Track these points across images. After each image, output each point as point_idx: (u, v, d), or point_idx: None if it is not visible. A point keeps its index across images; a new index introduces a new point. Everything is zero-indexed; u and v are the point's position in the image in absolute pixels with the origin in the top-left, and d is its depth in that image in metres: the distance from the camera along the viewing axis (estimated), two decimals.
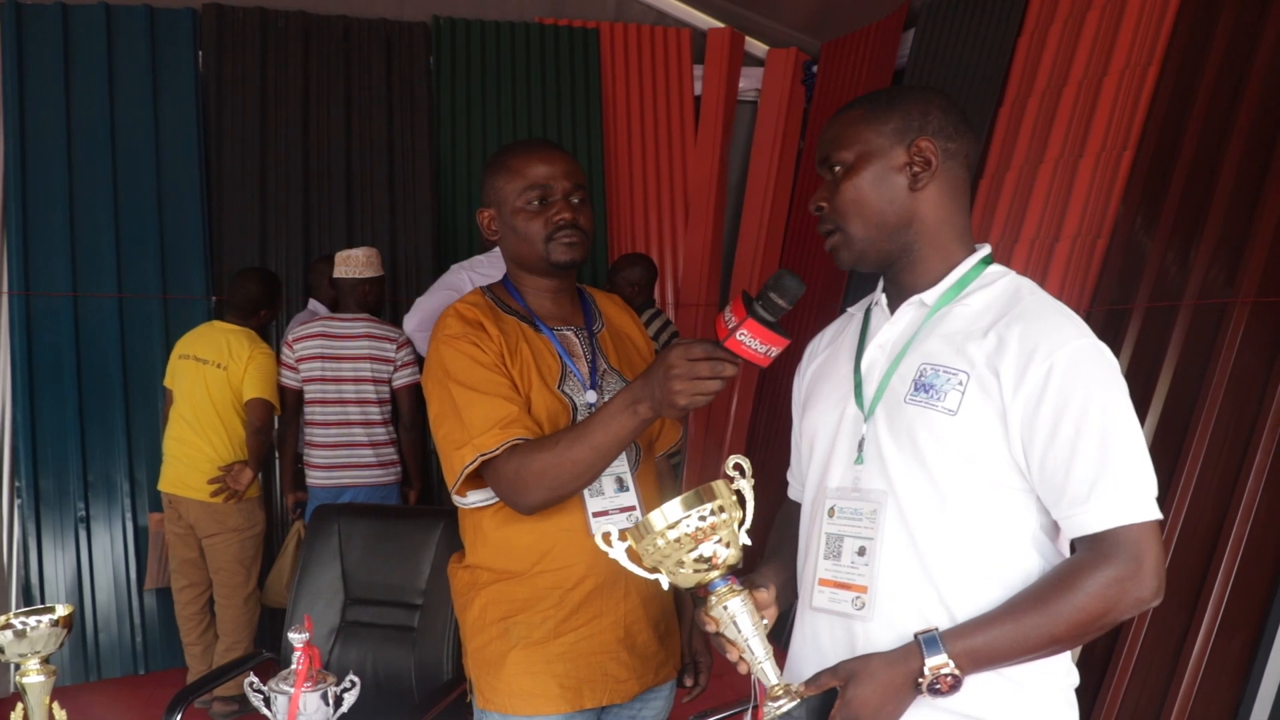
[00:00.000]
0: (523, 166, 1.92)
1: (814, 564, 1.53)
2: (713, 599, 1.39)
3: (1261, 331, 2.93)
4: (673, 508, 1.36)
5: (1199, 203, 3.25)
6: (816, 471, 1.58)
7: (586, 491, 1.88)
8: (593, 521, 1.88)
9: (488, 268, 3.88)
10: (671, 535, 1.36)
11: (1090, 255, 3.63)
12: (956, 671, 1.33)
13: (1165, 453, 3.10)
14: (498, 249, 3.57)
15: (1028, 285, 1.49)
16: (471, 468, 1.80)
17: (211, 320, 4.34)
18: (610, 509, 1.91)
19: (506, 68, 5.63)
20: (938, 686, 1.34)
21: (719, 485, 1.39)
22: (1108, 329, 3.42)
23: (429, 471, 4.72)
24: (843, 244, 1.53)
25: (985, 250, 1.55)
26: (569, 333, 1.98)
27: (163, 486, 4.20)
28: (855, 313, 1.69)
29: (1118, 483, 1.33)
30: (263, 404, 4.08)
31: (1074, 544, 1.40)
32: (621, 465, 1.93)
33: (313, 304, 4.76)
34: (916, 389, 1.44)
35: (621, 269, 4.77)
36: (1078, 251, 3.68)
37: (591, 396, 1.91)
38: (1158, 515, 1.35)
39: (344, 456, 4.11)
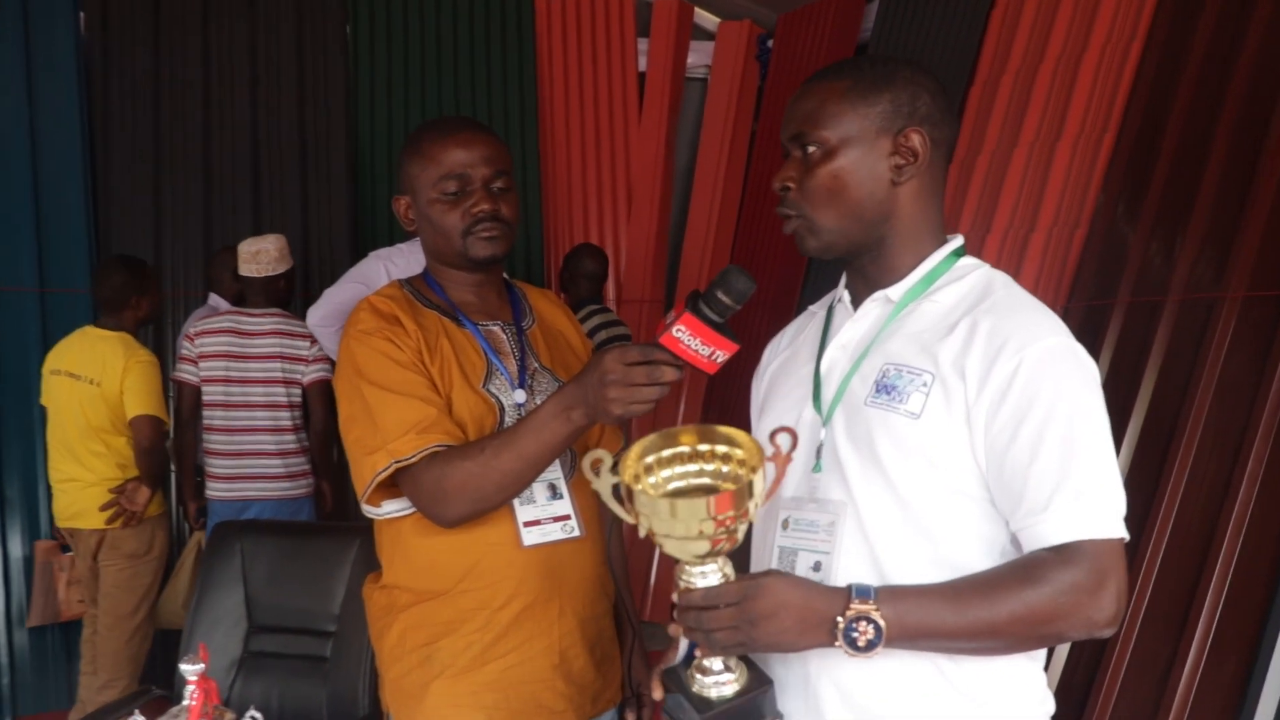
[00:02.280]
0: (437, 151, 1.90)
1: None
2: (691, 569, 1.35)
3: (1252, 329, 2.96)
4: (723, 500, 1.27)
5: (1185, 190, 3.28)
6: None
7: (516, 499, 1.86)
8: (524, 532, 1.87)
9: (407, 258, 3.83)
10: (704, 520, 1.27)
11: (1068, 247, 3.65)
12: (880, 622, 1.31)
13: (1150, 460, 3.12)
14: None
15: (1001, 279, 1.49)
16: (384, 475, 1.78)
17: (85, 326, 4.17)
18: (543, 518, 1.89)
19: (432, 39, 5.58)
20: (855, 634, 1.31)
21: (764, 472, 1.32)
22: (1087, 326, 3.44)
23: (343, 482, 4.65)
24: (808, 231, 1.50)
25: (957, 241, 1.54)
26: (495, 328, 1.98)
27: (58, 522, 4.11)
28: (817, 310, 1.69)
29: (1079, 492, 1.32)
30: (149, 421, 3.96)
31: None
32: (555, 471, 1.92)
33: (214, 299, 4.67)
34: (878, 390, 1.44)
35: (579, 258, 4.78)
36: (1054, 243, 3.71)
37: (520, 396, 1.91)
38: (1123, 534, 1.33)
39: (248, 467, 4.04)
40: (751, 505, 1.29)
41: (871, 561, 1.41)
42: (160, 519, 4.12)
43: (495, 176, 1.91)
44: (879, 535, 1.41)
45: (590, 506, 1.99)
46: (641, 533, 1.34)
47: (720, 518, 1.27)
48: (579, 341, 2.16)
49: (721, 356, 1.51)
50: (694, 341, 1.50)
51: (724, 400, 5.68)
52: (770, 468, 1.35)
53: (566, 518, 1.91)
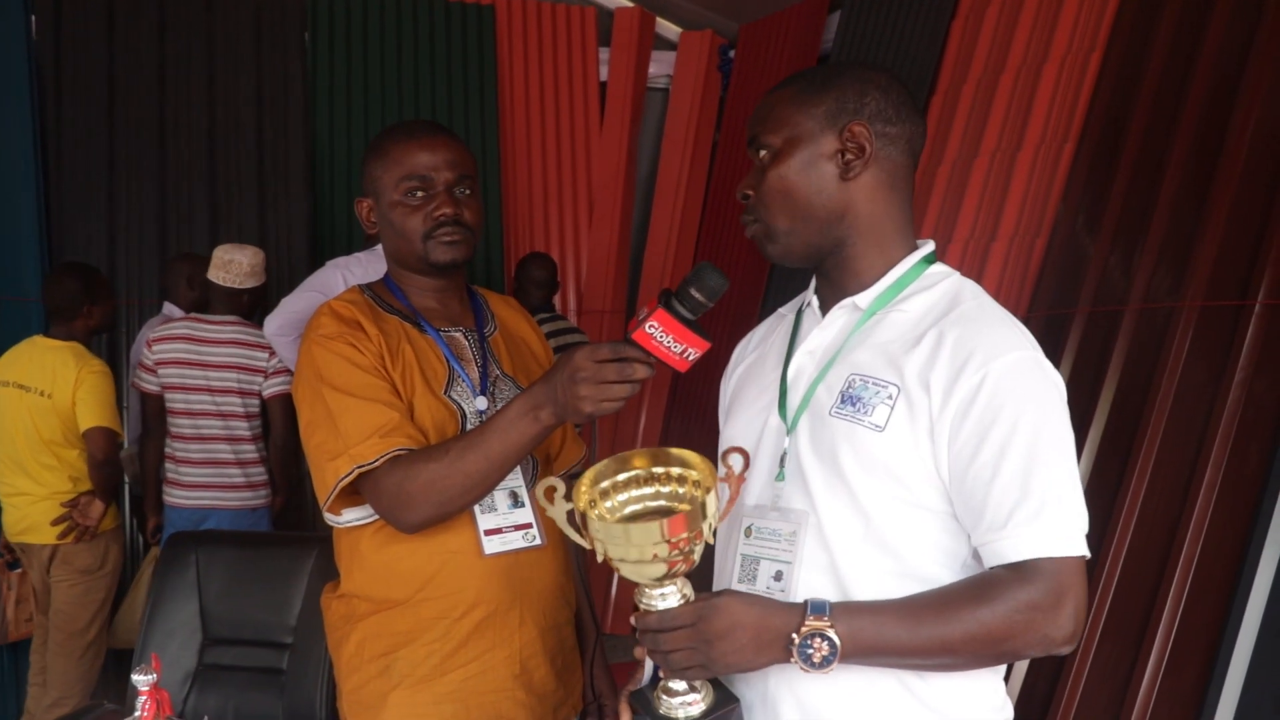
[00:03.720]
0: (401, 153, 1.90)
1: (727, 585, 1.51)
2: (651, 592, 1.36)
3: (1211, 338, 2.99)
4: (676, 523, 1.28)
5: (1144, 199, 3.31)
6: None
7: (477, 508, 1.86)
8: (485, 540, 1.86)
9: (365, 267, 3.80)
10: (657, 545, 1.29)
11: (1029, 256, 3.68)
12: (835, 638, 1.31)
13: (1110, 468, 3.14)
14: (379, 247, 3.52)
15: (970, 289, 1.49)
16: (347, 481, 1.77)
17: (34, 335, 4.08)
18: (504, 526, 1.89)
19: (392, 46, 5.56)
20: (810, 650, 1.32)
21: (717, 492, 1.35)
22: (1048, 335, 3.47)
23: (302, 494, 4.61)
24: (765, 236, 1.51)
25: (927, 248, 1.54)
26: (457, 334, 1.98)
27: (8, 536, 4.04)
28: (786, 313, 1.68)
29: (1039, 510, 1.32)
30: (102, 433, 3.89)
31: None
32: (516, 479, 1.92)
33: (168, 307, 4.62)
34: (843, 401, 1.43)
35: (529, 266, 4.83)
36: (1015, 252, 3.74)
37: (482, 403, 1.91)
38: (1084, 551, 1.34)
39: (210, 475, 4.00)
40: (706, 526, 1.31)
41: (832, 572, 1.41)
42: (114, 533, 4.06)
43: (459, 181, 1.91)
44: (840, 547, 1.41)
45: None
46: (599, 558, 1.35)
47: (674, 540, 1.28)
48: (541, 349, 2.16)
49: (693, 354, 1.51)
50: (666, 338, 1.49)
51: (689, 401, 5.68)
52: (724, 488, 1.37)
53: (528, 526, 1.90)
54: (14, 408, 3.89)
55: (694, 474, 1.36)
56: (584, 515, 1.34)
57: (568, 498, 1.37)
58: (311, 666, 2.61)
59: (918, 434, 1.38)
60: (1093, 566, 3.08)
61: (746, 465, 1.38)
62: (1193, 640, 2.86)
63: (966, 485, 1.36)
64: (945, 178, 4.13)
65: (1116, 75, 3.57)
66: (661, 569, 1.31)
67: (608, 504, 1.38)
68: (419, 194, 1.89)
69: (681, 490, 1.37)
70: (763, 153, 1.50)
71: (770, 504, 1.49)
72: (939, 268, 1.52)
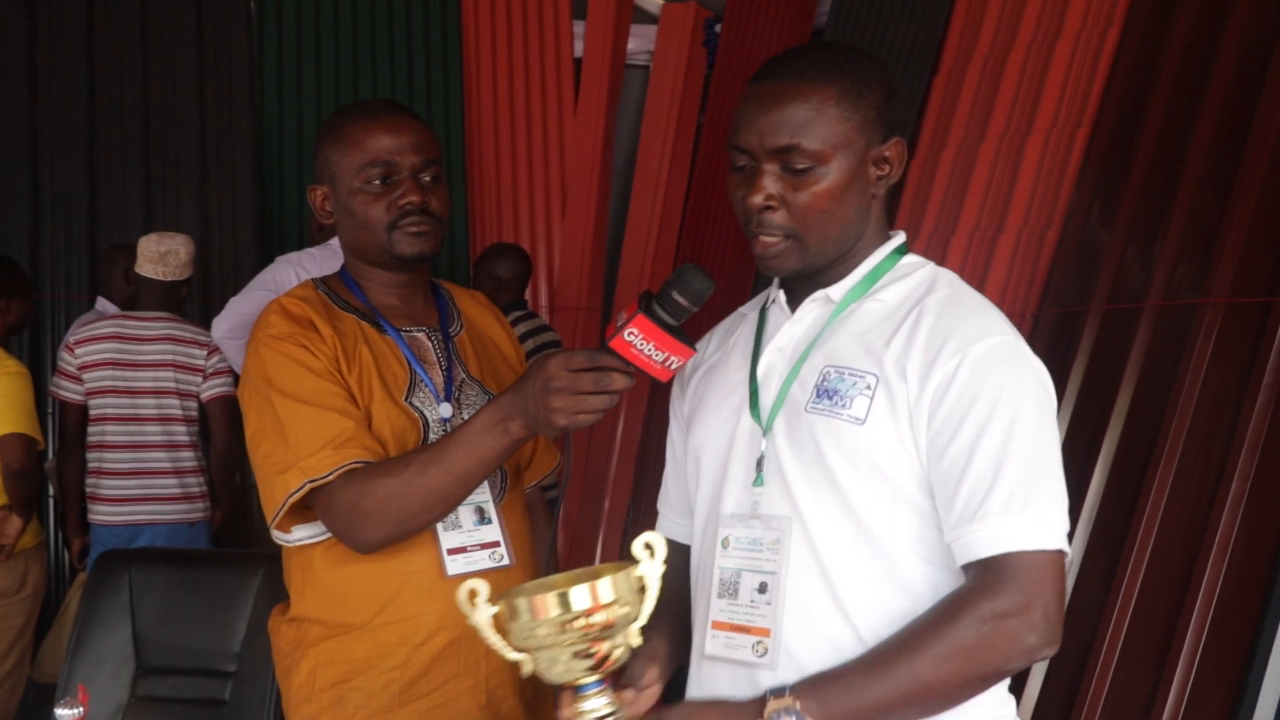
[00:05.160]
0: (361, 136, 1.88)
1: (705, 604, 1.52)
2: (582, 704, 1.39)
3: (1236, 337, 3.01)
4: (580, 594, 1.34)
5: (1164, 189, 3.32)
6: (707, 496, 1.57)
7: (440, 525, 1.85)
8: (448, 560, 1.85)
9: (319, 264, 3.79)
10: (558, 620, 1.34)
11: (1039, 250, 3.69)
12: (797, 707, 1.33)
13: (1128, 478, 3.15)
14: (335, 241, 3.50)
15: (946, 277, 1.52)
16: (297, 496, 1.76)
17: None
18: (469, 544, 1.88)
19: (347, 17, 5.56)
20: None
21: (629, 574, 1.39)
22: (1059, 335, 3.48)
23: (246, 507, 4.59)
24: (798, 252, 1.49)
25: (899, 239, 1.57)
26: (420, 335, 1.97)
27: None
28: (748, 312, 1.69)
29: (1010, 501, 1.34)
30: (19, 440, 3.82)
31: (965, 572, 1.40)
32: (482, 493, 1.91)
33: (101, 303, 4.60)
34: (819, 395, 1.45)
35: (486, 261, 4.78)
36: (1024, 245, 3.75)
37: (446, 410, 1.90)
38: (1060, 546, 1.35)
39: (140, 488, 3.97)
40: (632, 631, 1.40)
41: (822, 578, 1.43)
42: (35, 551, 4.00)
43: (424, 166, 1.90)
44: (829, 550, 1.43)
45: (521, 533, 1.98)
46: (525, 670, 1.41)
47: (592, 613, 1.33)
48: (512, 350, 2.15)
49: (676, 363, 1.50)
50: (646, 346, 1.48)
51: (665, 417, 5.67)
52: (653, 571, 1.40)
53: (495, 545, 1.90)
54: None
55: (626, 589, 1.38)
56: (504, 615, 1.38)
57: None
58: (257, 697, 2.59)
59: (899, 425, 1.40)
60: (1110, 581, 3.09)
61: (661, 552, 1.41)
62: (1219, 663, 2.87)
63: (940, 475, 1.39)
64: (949, 165, 4.14)
65: (1135, 53, 3.58)
66: (588, 661, 1.35)
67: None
68: (382, 181, 1.87)
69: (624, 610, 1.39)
70: (801, 165, 1.45)
71: (749, 511, 1.49)
72: (912, 258, 1.56)
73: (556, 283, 5.89)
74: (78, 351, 3.98)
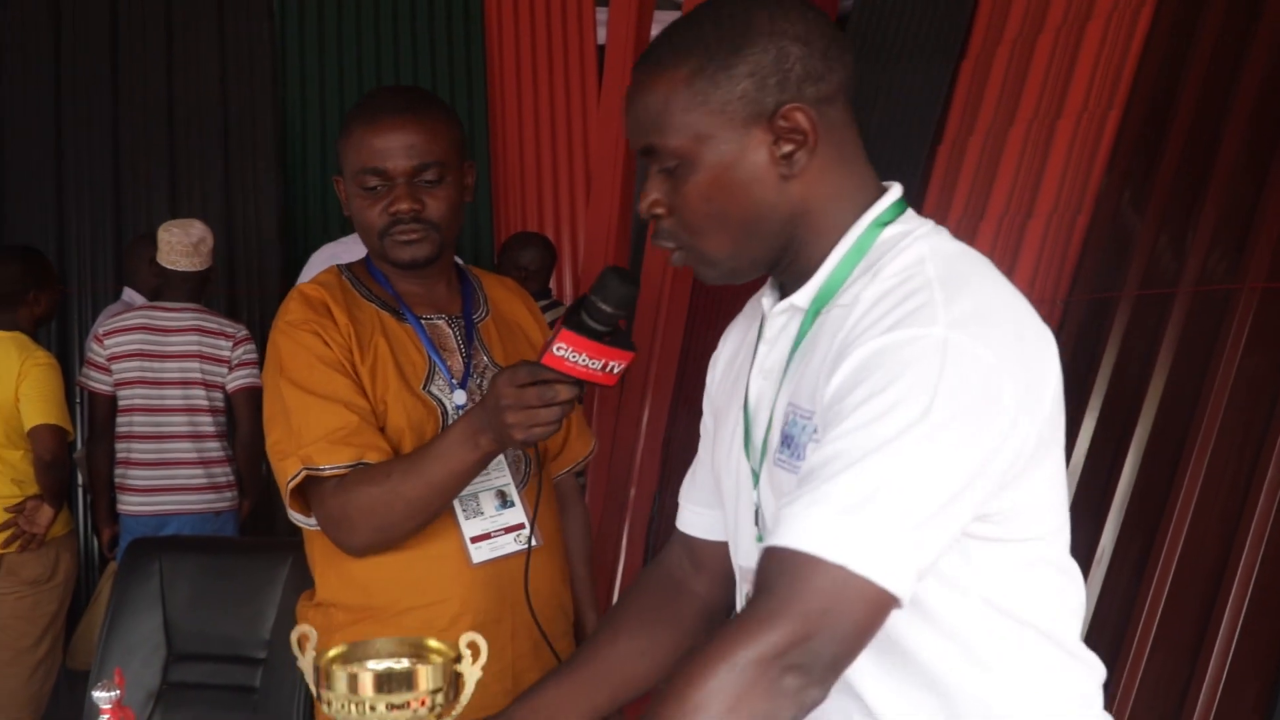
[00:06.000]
0: (359, 138, 1.87)
1: None
2: None
3: (1272, 323, 2.98)
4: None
5: (1198, 172, 3.30)
6: (730, 531, 1.41)
7: (460, 512, 1.86)
8: (471, 549, 1.86)
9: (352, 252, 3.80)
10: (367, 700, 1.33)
11: (1069, 235, 3.68)
12: None
13: (1159, 469, 3.13)
14: None
15: (934, 256, 1.21)
16: (295, 482, 1.78)
17: None
18: (493, 530, 1.88)
19: (369, 8, 5.58)
20: None
21: (434, 668, 1.36)
22: (1090, 321, 3.46)
23: (275, 494, 4.62)
24: (700, 262, 1.30)
25: (885, 201, 1.28)
26: (440, 322, 1.97)
27: None
28: (763, 303, 1.44)
29: (819, 497, 1.07)
30: (50, 431, 3.86)
31: None
32: (504, 477, 1.91)
33: (128, 294, 4.63)
34: (783, 443, 1.25)
35: (510, 250, 4.79)
36: (1054, 230, 3.73)
37: (461, 397, 1.90)
38: (852, 565, 1.04)
39: (167, 478, 4.00)
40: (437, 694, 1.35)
41: None
42: (66, 540, 4.04)
43: (421, 170, 1.86)
44: None
45: (548, 515, 1.98)
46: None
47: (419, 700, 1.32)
48: (540, 337, 2.13)
49: (617, 367, 1.50)
50: (579, 357, 1.48)
51: (697, 391, 5.66)
52: (472, 672, 1.40)
53: (520, 527, 1.89)
54: None
55: (437, 659, 1.38)
56: (326, 669, 1.35)
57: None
58: (287, 684, 2.59)
59: None
60: (1141, 575, 3.07)
61: (478, 657, 1.40)
62: (1255, 651, 2.85)
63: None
64: (977, 149, 4.12)
65: (1168, 34, 3.55)
66: None
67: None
68: (374, 187, 1.86)
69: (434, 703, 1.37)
70: (673, 164, 1.25)
71: (754, 568, 1.33)
72: (894, 230, 1.26)
73: (581, 271, 5.89)
74: (106, 343, 4.01)
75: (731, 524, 1.39)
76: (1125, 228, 3.50)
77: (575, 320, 1.47)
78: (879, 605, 1.05)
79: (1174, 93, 3.46)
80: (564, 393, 1.54)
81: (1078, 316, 3.56)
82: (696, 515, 1.52)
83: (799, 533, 1.07)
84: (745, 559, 1.36)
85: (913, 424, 1.07)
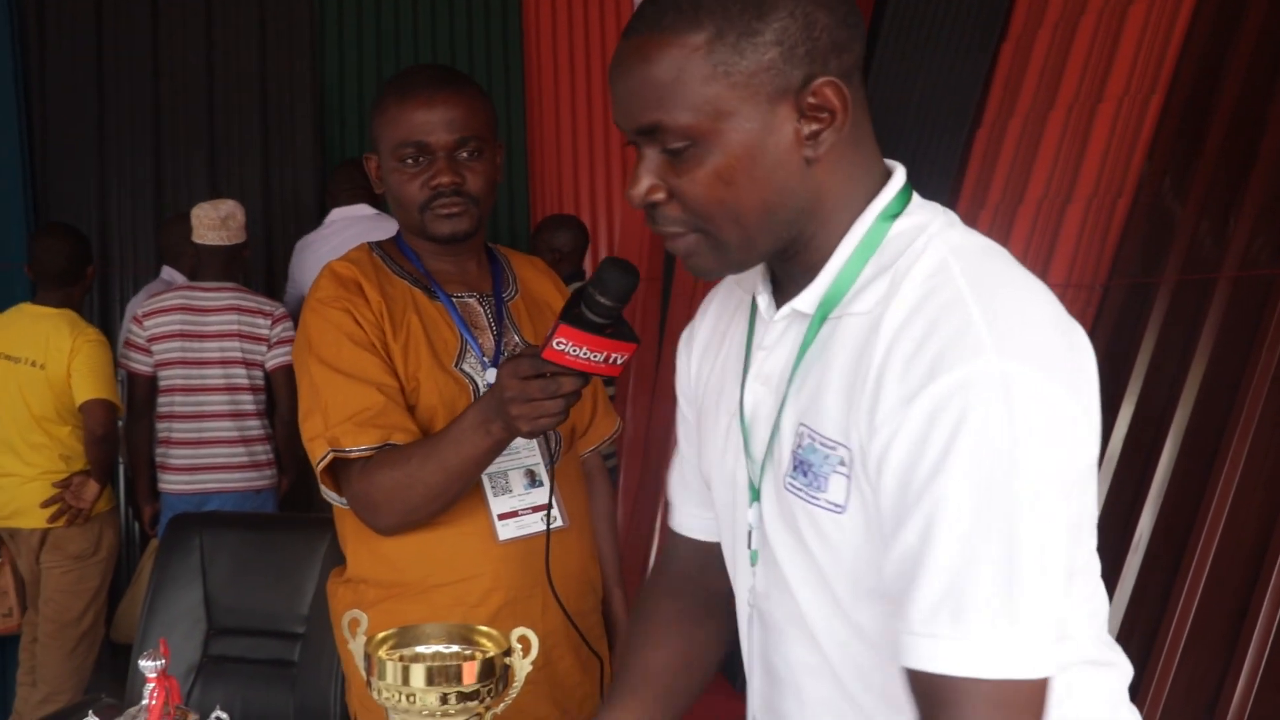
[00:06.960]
0: (397, 113, 1.87)
1: (748, 664, 1.36)
2: None
3: None
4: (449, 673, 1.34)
5: (1242, 156, 3.27)
6: (727, 547, 1.36)
7: (489, 489, 1.88)
8: (499, 525, 1.88)
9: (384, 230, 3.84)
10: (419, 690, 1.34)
11: (1109, 219, 3.65)
12: None
13: (1197, 459, 3.11)
14: None
15: (958, 257, 1.11)
16: (324, 463, 1.80)
17: (21, 304, 4.11)
18: (520, 509, 1.90)
19: None
20: None
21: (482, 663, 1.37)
22: (1129, 306, 3.44)
23: (310, 474, 4.66)
24: (710, 250, 1.17)
25: (891, 189, 1.17)
26: (471, 300, 1.98)
27: None
28: (745, 291, 1.32)
29: (962, 609, 1.00)
30: (102, 405, 3.94)
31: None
32: (533, 455, 1.93)
33: (167, 272, 4.68)
34: (796, 467, 1.16)
35: (544, 232, 4.82)
36: (1094, 215, 3.71)
37: (493, 376, 1.90)
38: (1018, 674, 1.01)
39: (207, 456, 4.06)
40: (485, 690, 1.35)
41: (831, 676, 1.23)
42: (109, 515, 4.11)
43: (459, 145, 1.87)
44: (834, 650, 1.21)
45: (576, 494, 2.00)
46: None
47: (467, 691, 1.32)
48: None
49: (620, 358, 1.50)
50: (580, 350, 1.47)
51: None
52: (522, 666, 1.40)
53: (545, 507, 1.91)
54: (2, 381, 3.94)
55: (488, 646, 1.40)
56: (375, 658, 1.37)
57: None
58: (325, 658, 2.62)
59: (868, 512, 1.11)
60: (1176, 570, 3.05)
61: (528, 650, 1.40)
62: None
63: (890, 565, 1.08)
64: (1017, 133, 4.10)
65: (1212, 17, 3.51)
66: None
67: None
68: (415, 160, 1.87)
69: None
70: (681, 145, 1.11)
71: (749, 590, 1.31)
72: (904, 225, 1.15)
73: (616, 253, 5.88)
74: (146, 324, 4.05)
75: (729, 535, 1.34)
76: (1166, 212, 3.48)
77: (574, 314, 1.47)
78: (1042, 692, 1.03)
79: (1218, 76, 3.43)
80: (568, 385, 1.55)
81: (1117, 302, 3.54)
82: (694, 518, 1.48)
83: (954, 659, 1.01)
84: (743, 578, 1.32)
85: (1015, 503, 1.00)
